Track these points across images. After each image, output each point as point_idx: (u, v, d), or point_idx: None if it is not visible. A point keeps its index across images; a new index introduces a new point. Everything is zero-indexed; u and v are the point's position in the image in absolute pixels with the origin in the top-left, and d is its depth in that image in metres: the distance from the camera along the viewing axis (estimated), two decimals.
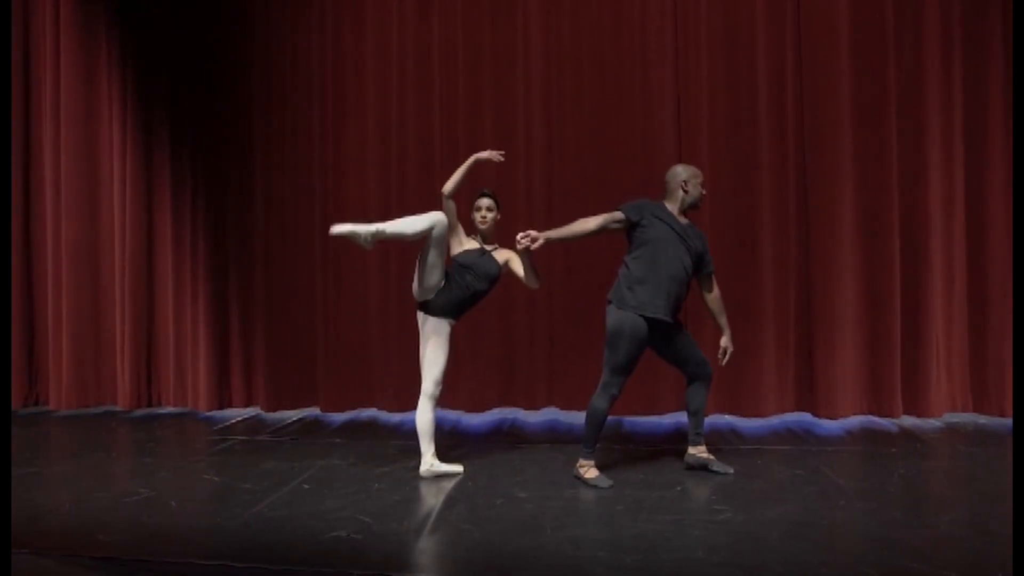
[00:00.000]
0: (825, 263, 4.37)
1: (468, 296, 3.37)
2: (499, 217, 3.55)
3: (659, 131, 4.53)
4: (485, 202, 3.48)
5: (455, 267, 3.41)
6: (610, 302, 3.25)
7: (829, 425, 4.26)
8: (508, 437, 4.21)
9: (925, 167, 4.32)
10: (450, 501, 2.98)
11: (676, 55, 4.54)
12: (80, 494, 3.21)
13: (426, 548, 2.46)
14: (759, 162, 4.44)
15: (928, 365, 4.29)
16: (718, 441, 3.95)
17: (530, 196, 4.70)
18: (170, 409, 5.20)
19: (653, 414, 4.49)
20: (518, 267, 3.44)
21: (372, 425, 4.60)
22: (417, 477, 3.33)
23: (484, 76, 4.76)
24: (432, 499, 3.02)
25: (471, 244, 3.48)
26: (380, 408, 4.87)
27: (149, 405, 5.24)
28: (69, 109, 5.28)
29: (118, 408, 5.21)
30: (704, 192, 3.34)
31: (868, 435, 4.06)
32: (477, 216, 3.48)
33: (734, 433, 4.15)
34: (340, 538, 2.61)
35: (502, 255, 3.48)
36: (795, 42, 4.44)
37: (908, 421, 4.28)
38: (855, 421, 4.31)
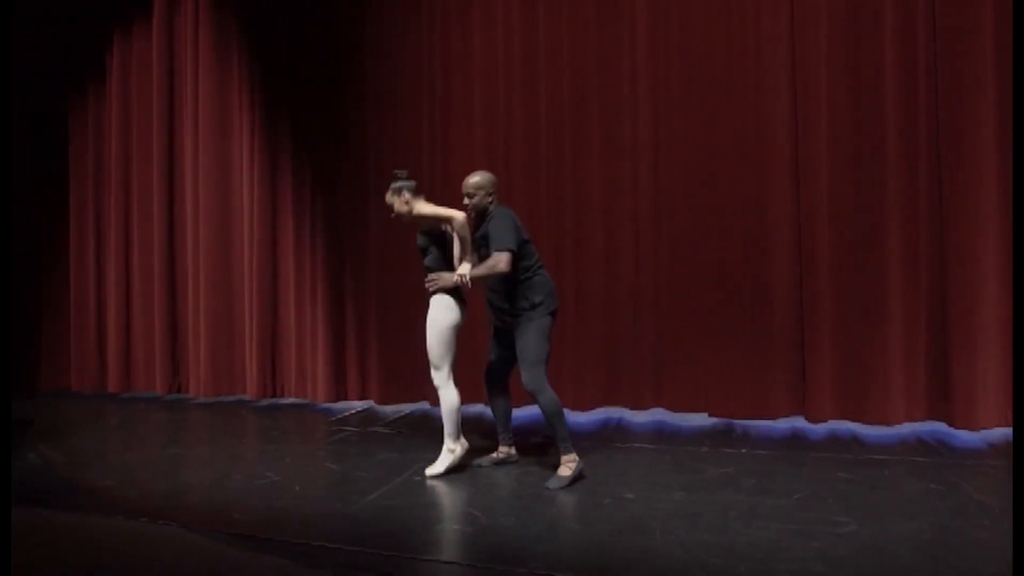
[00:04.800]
0: (962, 259, 3.99)
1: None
2: (404, 201, 3.44)
3: (773, 125, 4.32)
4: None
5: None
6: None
7: (968, 437, 3.89)
8: (614, 437, 4.18)
9: None
10: (557, 499, 3.00)
11: (792, 40, 4.30)
12: (217, 475, 3.51)
13: (534, 544, 2.49)
14: (885, 154, 4.13)
15: None
16: (838, 448, 3.73)
17: (636, 192, 4.64)
18: (292, 400, 5.56)
19: (766, 417, 4.31)
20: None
21: (480, 420, 4.70)
22: (525, 473, 3.38)
23: (590, 72, 4.73)
24: (539, 496, 3.05)
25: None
26: (487, 404, 4.96)
27: (274, 395, 5.63)
28: (206, 127, 5.81)
29: (247, 397, 5.64)
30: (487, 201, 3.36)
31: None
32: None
33: (856, 441, 3.90)
34: (451, 529, 2.70)
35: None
36: (928, 21, 4.08)
37: None
38: (999, 433, 3.92)
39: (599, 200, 4.70)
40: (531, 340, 3.21)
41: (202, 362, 5.76)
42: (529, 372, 3.17)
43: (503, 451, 3.60)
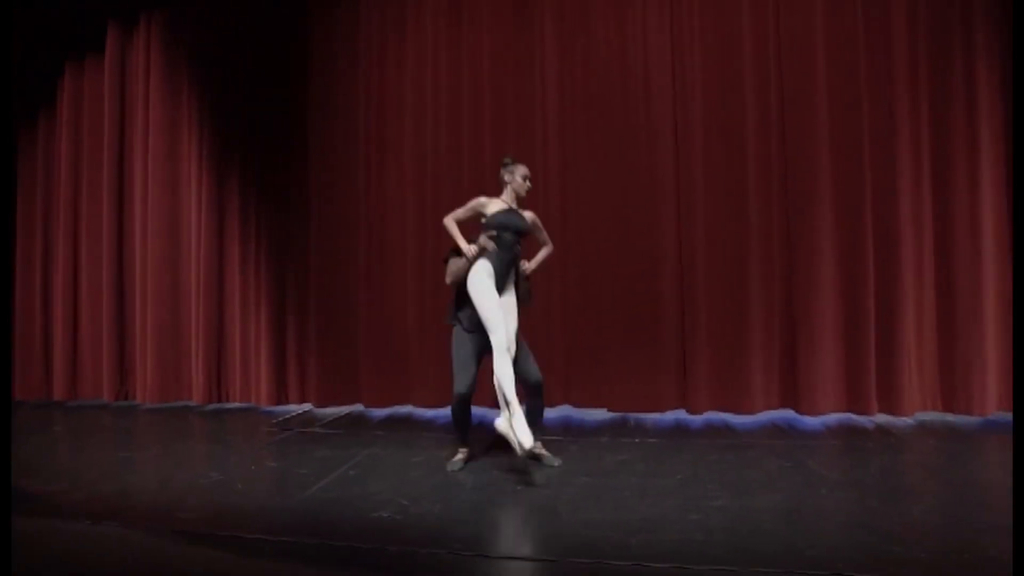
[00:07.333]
0: (806, 278, 4.30)
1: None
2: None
3: (660, 170, 4.51)
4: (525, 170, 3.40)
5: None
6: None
7: (810, 421, 4.17)
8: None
9: (895, 192, 4.24)
10: (477, 487, 2.96)
11: (674, 102, 4.53)
12: (163, 476, 3.25)
13: (456, 527, 2.44)
14: (747, 194, 4.40)
15: (901, 368, 4.18)
16: (713, 435, 3.89)
17: (546, 223, 4.69)
18: (236, 404, 5.25)
19: (655, 411, 4.44)
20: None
21: (409, 420, 4.60)
22: (448, 465, 3.32)
23: (508, 118, 4.79)
24: (461, 485, 3.00)
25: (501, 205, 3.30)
26: (416, 405, 4.87)
27: (219, 400, 5.30)
28: (156, 153, 5.47)
29: (193, 403, 5.29)
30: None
31: (846, 431, 3.96)
32: (524, 182, 3.34)
33: (727, 428, 4.08)
34: (382, 517, 2.61)
35: (529, 215, 3.41)
36: (779, 84, 4.40)
37: (882, 419, 4.18)
38: (834, 418, 4.21)
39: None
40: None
41: (149, 369, 5.35)
42: None
43: (464, 451, 3.34)
